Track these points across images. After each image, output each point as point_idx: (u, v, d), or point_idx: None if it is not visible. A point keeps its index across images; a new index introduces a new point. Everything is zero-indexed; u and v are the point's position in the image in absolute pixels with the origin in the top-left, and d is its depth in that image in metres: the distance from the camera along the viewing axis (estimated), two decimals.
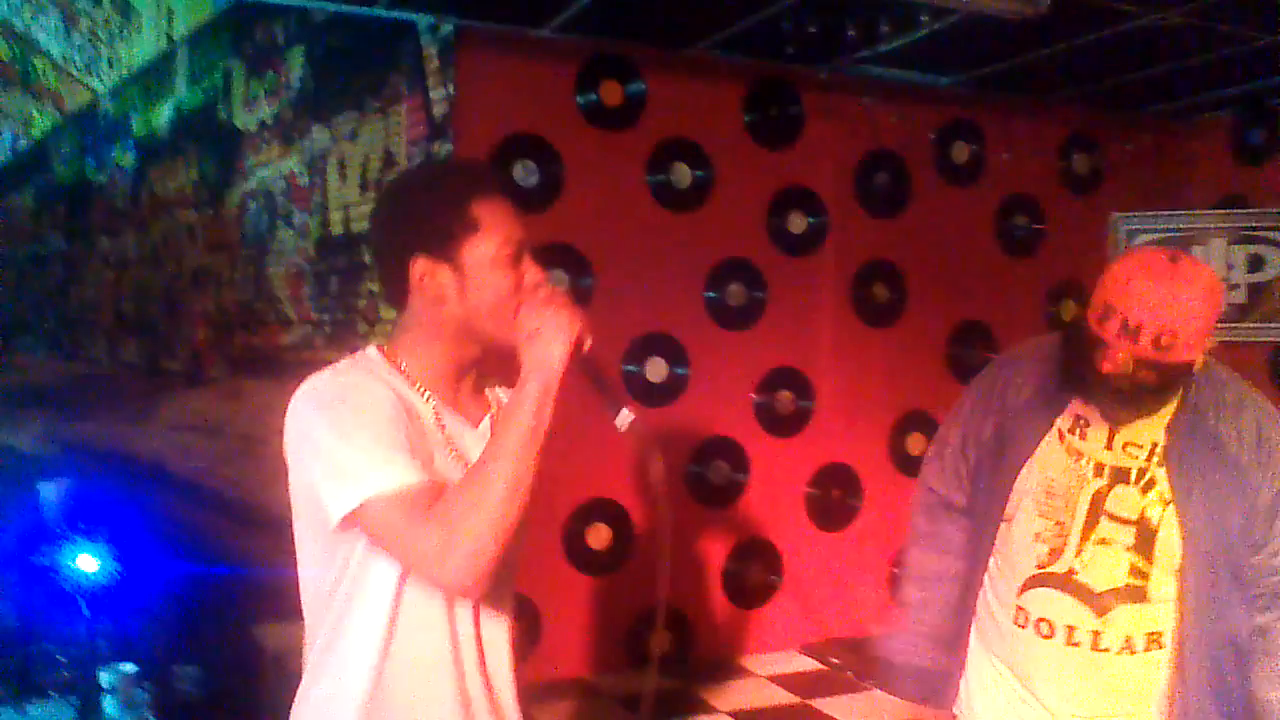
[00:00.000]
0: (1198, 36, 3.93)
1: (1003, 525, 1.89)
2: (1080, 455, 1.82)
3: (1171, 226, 4.98)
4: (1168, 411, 1.77)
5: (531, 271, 1.54)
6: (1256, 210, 4.93)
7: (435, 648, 1.54)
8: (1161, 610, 1.81)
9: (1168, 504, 1.78)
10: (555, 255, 3.95)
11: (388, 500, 1.43)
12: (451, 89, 3.95)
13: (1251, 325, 4.90)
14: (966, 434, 1.97)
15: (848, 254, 4.52)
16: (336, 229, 4.90)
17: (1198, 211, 5.06)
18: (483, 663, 1.58)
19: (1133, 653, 1.82)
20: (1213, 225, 4.94)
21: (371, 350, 1.60)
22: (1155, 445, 1.79)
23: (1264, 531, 1.78)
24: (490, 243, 1.51)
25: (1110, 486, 1.80)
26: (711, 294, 4.27)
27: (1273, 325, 4.85)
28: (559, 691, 3.84)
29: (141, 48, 7.88)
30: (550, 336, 1.50)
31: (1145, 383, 1.68)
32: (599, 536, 4.01)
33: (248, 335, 5.94)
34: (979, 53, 4.20)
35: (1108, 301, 1.66)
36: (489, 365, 1.63)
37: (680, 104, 4.20)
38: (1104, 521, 1.80)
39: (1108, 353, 1.66)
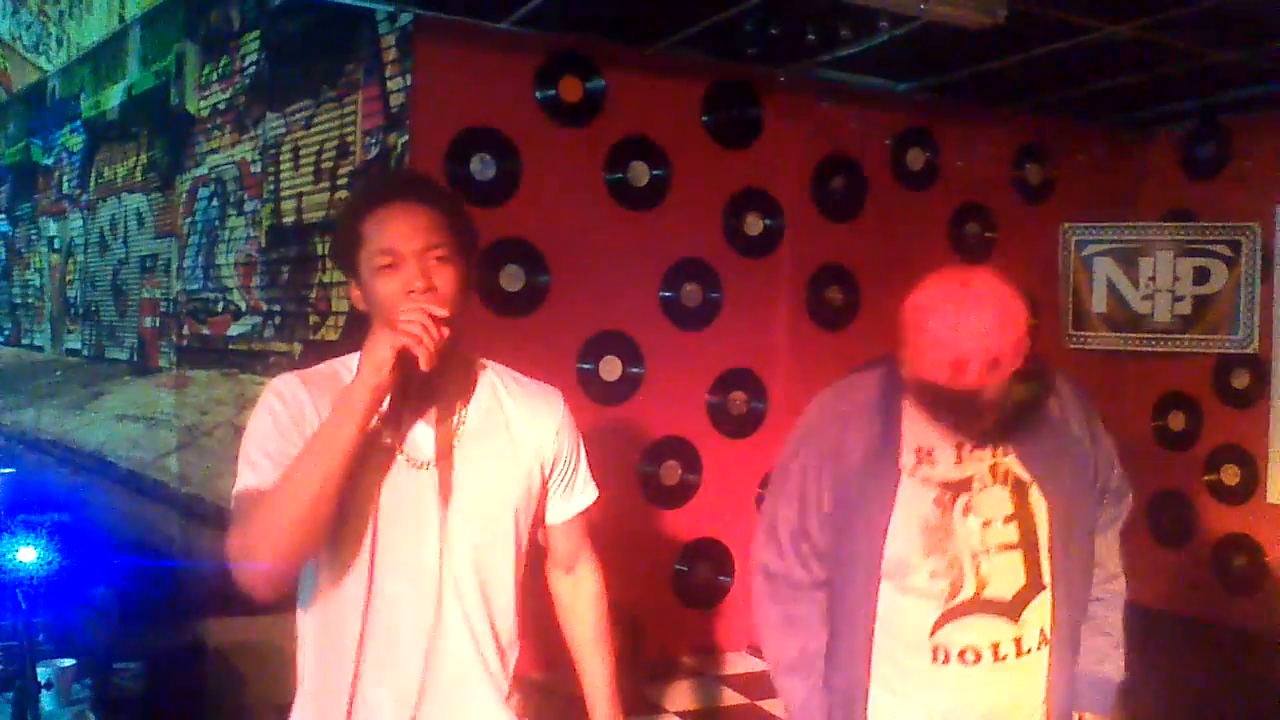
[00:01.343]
0: (1150, 51, 3.99)
1: (884, 582, 1.84)
2: (940, 484, 1.82)
3: (1120, 238, 5.07)
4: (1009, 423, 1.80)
5: (400, 282, 1.52)
6: (1204, 224, 5.03)
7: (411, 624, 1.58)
8: (1048, 587, 1.85)
9: (1028, 488, 1.82)
10: (510, 250, 3.93)
11: (234, 499, 1.52)
12: (409, 80, 3.92)
13: (1196, 336, 5.00)
14: (801, 510, 1.89)
15: (803, 256, 4.54)
16: (289, 218, 4.84)
17: (1146, 224, 5.15)
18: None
19: (1046, 644, 1.86)
20: (1160, 237, 5.03)
21: (356, 354, 1.59)
22: (994, 439, 1.81)
23: (1102, 481, 1.92)
24: (369, 253, 1.54)
25: (974, 496, 1.81)
26: (667, 293, 4.27)
27: (1217, 336, 4.96)
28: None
29: (92, 27, 7.73)
30: (367, 351, 1.48)
31: (1020, 399, 1.71)
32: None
33: (196, 324, 5.84)
34: (936, 60, 4.24)
35: (951, 359, 1.64)
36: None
37: (639, 102, 4.19)
38: (986, 532, 1.81)
39: (976, 397, 1.67)
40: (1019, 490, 1.83)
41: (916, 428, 1.84)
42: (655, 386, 4.22)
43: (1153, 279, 5.02)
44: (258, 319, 5.08)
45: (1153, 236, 5.05)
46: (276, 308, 4.88)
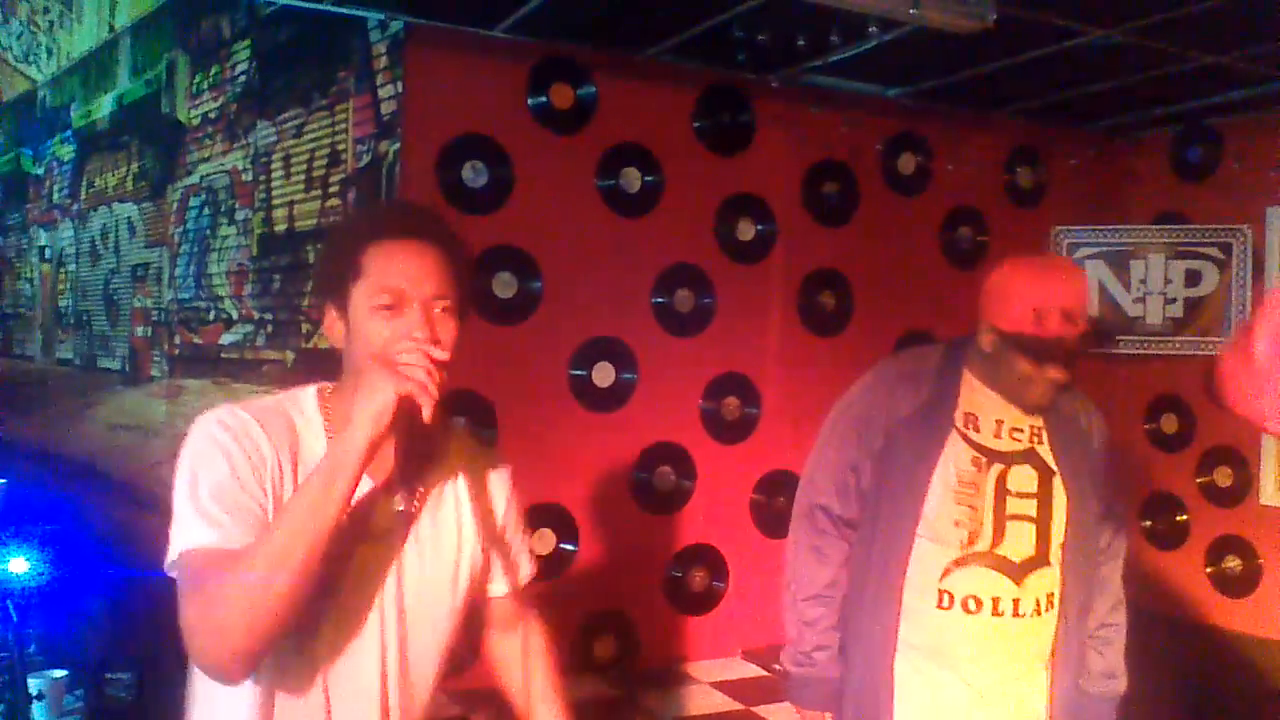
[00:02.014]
0: (1140, 55, 4.00)
1: (921, 521, 2.07)
2: (978, 446, 2.07)
3: (1111, 240, 5.08)
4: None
5: (399, 327, 1.40)
6: (1194, 226, 5.04)
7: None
8: (1056, 573, 2.11)
9: (1053, 476, 2.09)
10: (502, 258, 3.93)
11: (184, 557, 1.34)
12: (400, 87, 3.92)
13: (1187, 339, 5.01)
14: (854, 449, 2.15)
15: (796, 262, 4.54)
16: (280, 226, 4.83)
17: (1137, 226, 5.16)
18: None
19: (1039, 614, 2.09)
20: (1151, 240, 5.04)
21: (307, 391, 1.52)
22: (1034, 428, 2.10)
23: (1106, 492, 2.17)
24: (367, 290, 1.43)
25: (1008, 469, 2.07)
26: (660, 299, 4.27)
27: (1208, 339, 4.96)
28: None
29: (82, 37, 7.71)
30: (364, 398, 1.33)
31: (1076, 351, 2.03)
32: (541, 542, 3.99)
33: (188, 333, 5.83)
34: (927, 65, 4.25)
35: (1035, 307, 1.98)
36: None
37: (631, 108, 4.20)
38: (1010, 499, 2.06)
39: (1057, 344, 1.97)
40: (1045, 475, 2.09)
41: (970, 396, 2.11)
42: (648, 392, 4.21)
43: (1144, 281, 5.04)
44: (250, 328, 5.07)
45: (1144, 239, 5.06)
46: (269, 316, 4.87)
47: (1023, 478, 2.08)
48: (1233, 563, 5.01)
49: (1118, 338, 5.08)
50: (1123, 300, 5.08)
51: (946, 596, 2.07)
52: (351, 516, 1.37)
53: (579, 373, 4.10)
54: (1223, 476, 5.06)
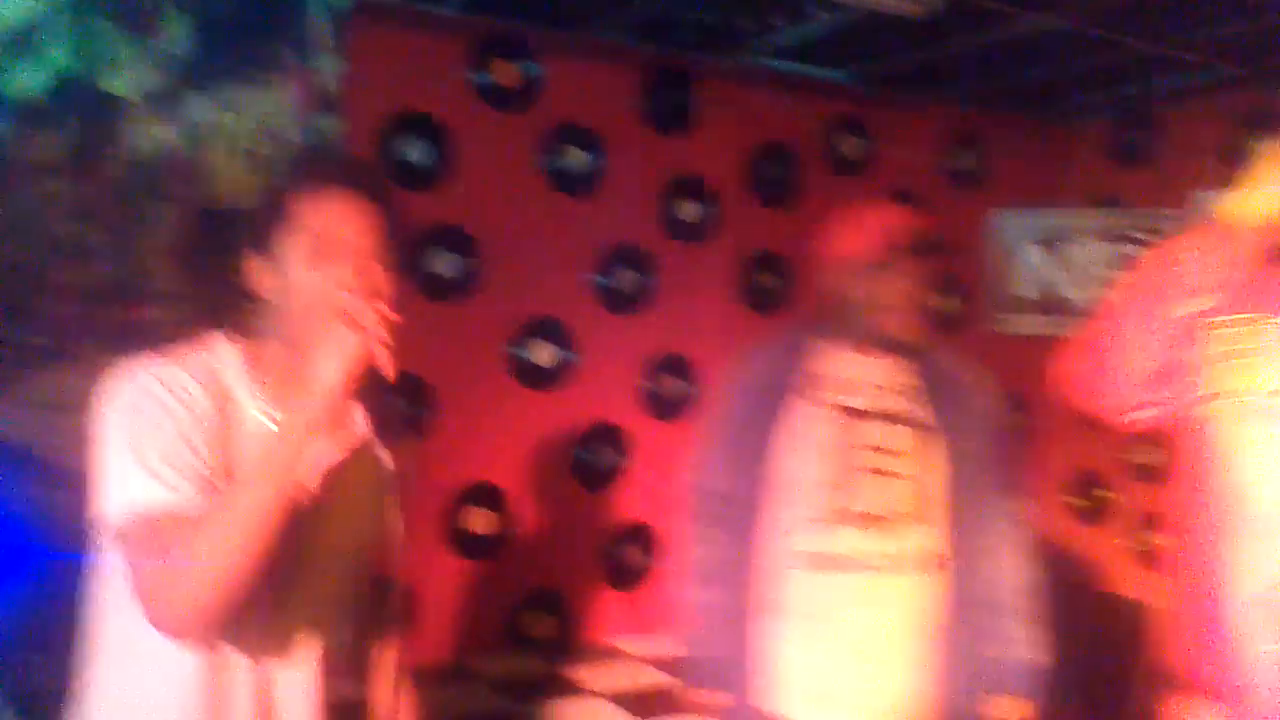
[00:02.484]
0: (1079, 42, 4.06)
1: (789, 488, 2.08)
2: (846, 409, 2.08)
3: (1048, 224, 5.15)
4: (907, 362, 2.12)
5: (335, 275, 1.36)
6: (1129, 211, 5.12)
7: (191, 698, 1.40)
8: (935, 530, 2.09)
9: (929, 432, 2.08)
10: (443, 236, 3.90)
11: (136, 518, 1.30)
12: (342, 63, 3.86)
13: None
14: (732, 425, 2.17)
15: (738, 242, 4.56)
16: (216, 203, 4.75)
17: (1074, 210, 5.24)
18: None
19: (917, 571, 2.08)
20: (1088, 224, 5.12)
21: (220, 342, 1.48)
22: (907, 386, 2.11)
23: (999, 465, 2.16)
24: (303, 235, 1.40)
25: (877, 427, 2.07)
26: (602, 279, 4.26)
27: None
28: (436, 676, 3.81)
29: (10, 6, 7.50)
30: (324, 359, 1.30)
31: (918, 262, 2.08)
32: (479, 520, 3.98)
33: (118, 310, 5.72)
34: (870, 49, 4.27)
35: (871, 229, 2.09)
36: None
37: (575, 88, 4.18)
38: (880, 457, 2.06)
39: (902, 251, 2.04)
40: (922, 432, 2.09)
41: (837, 363, 2.12)
42: (588, 372, 4.22)
43: (1078, 265, 5.12)
44: (183, 305, 4.98)
45: (1080, 223, 5.13)
46: (202, 293, 4.79)
47: (892, 435, 2.09)
48: (1159, 539, 5.11)
49: (1055, 319, 5.16)
50: (1059, 282, 5.15)
51: (819, 558, 2.07)
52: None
53: (519, 351, 4.09)
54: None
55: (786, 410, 2.09)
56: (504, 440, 4.04)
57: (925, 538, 2.10)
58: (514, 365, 4.08)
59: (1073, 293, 5.14)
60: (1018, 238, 5.17)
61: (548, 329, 4.15)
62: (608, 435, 4.30)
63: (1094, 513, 5.35)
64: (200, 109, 4.93)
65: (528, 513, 4.09)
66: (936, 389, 2.14)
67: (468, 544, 4.01)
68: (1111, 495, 5.30)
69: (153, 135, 5.45)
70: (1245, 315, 1.66)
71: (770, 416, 2.10)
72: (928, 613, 2.12)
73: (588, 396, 4.24)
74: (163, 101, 5.34)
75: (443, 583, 3.94)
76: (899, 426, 2.11)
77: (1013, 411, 5.56)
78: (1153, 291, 1.63)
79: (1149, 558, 5.15)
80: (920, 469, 2.10)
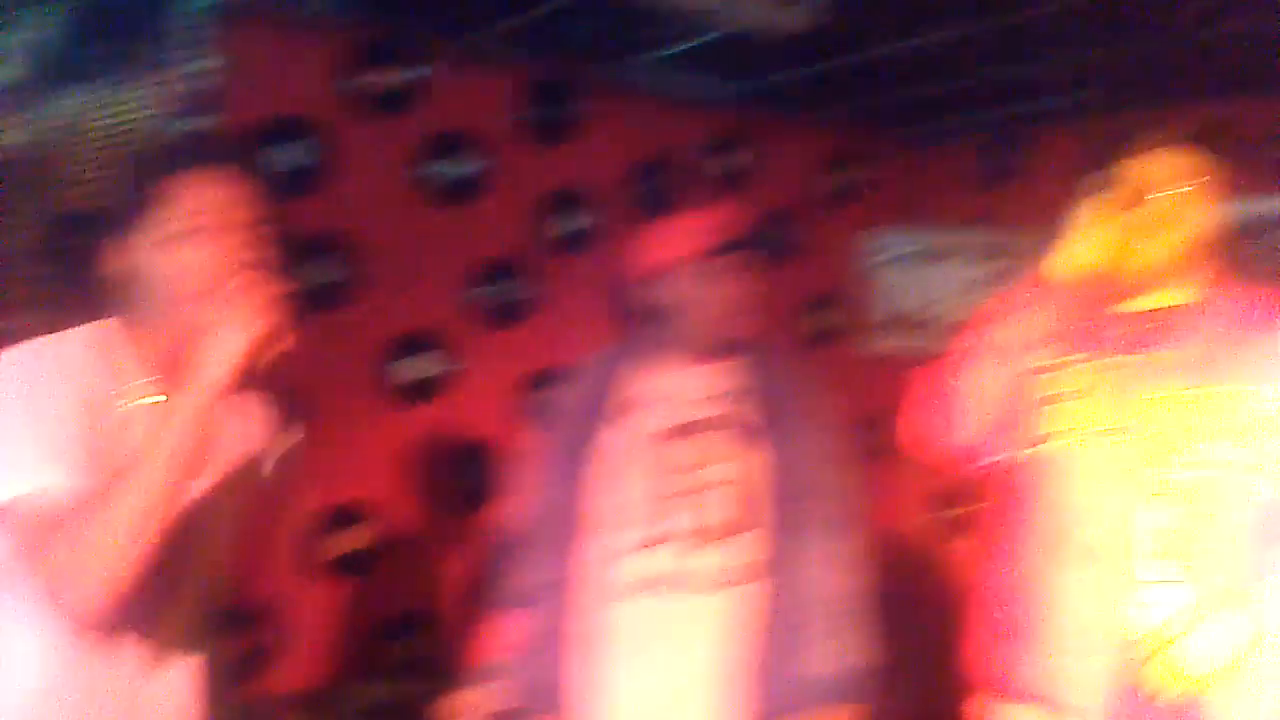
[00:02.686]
0: (951, 64, 4.17)
1: (610, 511, 2.06)
2: (661, 423, 2.06)
3: (919, 244, 5.30)
4: (733, 365, 2.11)
5: (215, 252, 1.36)
6: (995, 232, 5.29)
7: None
8: (758, 539, 2.06)
9: (752, 437, 2.06)
10: (316, 243, 3.80)
11: (27, 501, 1.28)
12: (213, 62, 3.72)
13: None
14: (555, 449, 2.14)
15: (621, 255, 4.54)
16: (77, 205, 4.54)
17: (942, 231, 5.39)
18: None
19: (737, 585, 2.04)
20: (955, 244, 5.28)
21: (97, 329, 1.47)
22: (729, 391, 2.09)
23: (825, 462, 2.16)
24: (175, 213, 1.41)
25: (699, 438, 2.06)
26: (481, 290, 4.21)
27: None
28: (304, 703, 3.69)
29: None
30: (220, 338, 1.32)
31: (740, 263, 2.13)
32: (350, 540, 3.88)
33: None
34: (751, 66, 4.32)
35: (684, 230, 2.11)
36: None
37: (456, 95, 4.12)
38: (703, 468, 2.04)
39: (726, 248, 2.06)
40: (739, 438, 2.06)
41: (655, 378, 2.10)
42: (466, 385, 4.15)
43: (946, 284, 5.27)
44: (40, 310, 4.75)
45: (947, 243, 5.29)
46: (61, 298, 4.57)
47: (714, 446, 2.06)
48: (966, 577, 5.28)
49: (926, 336, 5.30)
50: (927, 302, 5.30)
51: (643, 583, 2.04)
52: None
53: (394, 364, 4.00)
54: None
55: (608, 431, 2.05)
56: (377, 456, 3.94)
57: (749, 549, 2.05)
58: (389, 379, 3.99)
59: (942, 311, 5.29)
60: (889, 256, 5.30)
61: (425, 341, 4.07)
62: (488, 450, 4.24)
63: (952, 528, 5.49)
64: (65, 107, 4.71)
65: (401, 532, 4.00)
66: (765, 390, 2.11)
67: (337, 565, 3.89)
68: (967, 511, 5.46)
69: (13, 133, 5.19)
70: (1074, 358, 1.79)
71: (591, 438, 2.06)
72: (751, 626, 2.06)
73: (466, 411, 4.17)
74: (24, 97, 5.09)
75: (311, 605, 3.82)
76: (723, 435, 2.08)
77: (881, 427, 5.69)
78: (992, 347, 1.70)
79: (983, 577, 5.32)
80: (744, 476, 2.07)
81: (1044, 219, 5.27)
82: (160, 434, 1.28)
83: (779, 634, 2.07)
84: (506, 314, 4.27)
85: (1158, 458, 1.72)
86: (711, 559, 2.03)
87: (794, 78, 4.40)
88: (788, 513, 2.08)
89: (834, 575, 2.15)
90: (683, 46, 3.96)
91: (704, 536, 2.03)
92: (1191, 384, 1.74)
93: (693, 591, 2.02)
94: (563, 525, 2.07)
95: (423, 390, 4.07)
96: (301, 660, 3.78)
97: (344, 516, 3.89)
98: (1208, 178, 1.82)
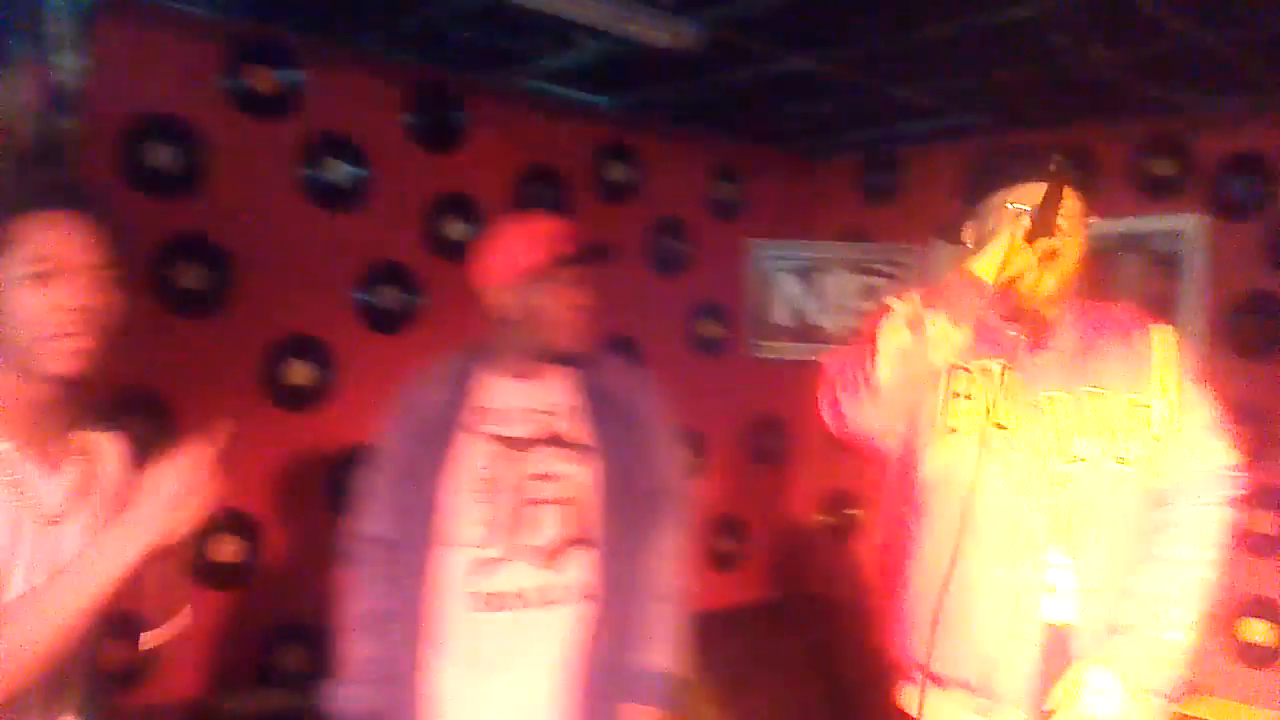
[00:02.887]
0: (832, 84, 4.28)
1: (452, 529, 2.06)
2: (499, 439, 2.07)
3: (801, 255, 5.42)
4: (568, 379, 2.13)
5: (53, 297, 1.38)
6: (874, 245, 5.45)
7: None
8: (595, 554, 2.11)
9: (585, 453, 2.10)
10: (190, 247, 3.70)
11: None
12: (83, 58, 3.60)
13: None
14: (391, 467, 2.13)
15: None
16: None
17: (824, 243, 5.53)
18: None
19: (579, 601, 2.09)
20: (836, 256, 5.42)
21: None
22: (562, 407, 2.12)
23: (662, 478, 2.20)
24: (16, 260, 1.40)
25: (533, 455, 2.08)
26: (363, 296, 4.15)
27: None
28: (181, 715, 3.59)
29: None
30: (177, 507, 1.42)
31: (588, 270, 2.15)
32: (228, 549, 3.79)
33: None
34: (637, 78, 4.36)
35: (528, 239, 2.11)
36: (78, 403, 1.50)
37: (338, 98, 4.06)
38: (537, 485, 2.07)
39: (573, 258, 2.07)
40: (574, 453, 2.09)
41: (488, 392, 2.11)
42: (349, 392, 4.09)
43: (828, 294, 5.41)
44: None
45: (829, 255, 5.43)
46: None
47: (548, 460, 2.07)
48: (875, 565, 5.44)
49: (808, 345, 5.42)
50: (809, 311, 5.42)
51: (480, 598, 2.04)
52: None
53: (273, 371, 3.92)
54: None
55: (447, 447, 2.04)
56: (255, 464, 3.86)
57: (588, 563, 2.09)
58: (268, 385, 3.91)
59: (824, 321, 5.42)
60: (774, 267, 5.41)
61: (305, 347, 4.00)
62: (369, 459, 4.18)
63: (843, 529, 5.63)
64: None
65: (281, 541, 3.92)
66: (598, 405, 2.14)
67: (215, 575, 3.80)
68: (860, 513, 5.60)
69: None
70: (977, 360, 1.89)
71: (430, 454, 2.04)
72: (590, 639, 2.10)
73: (348, 418, 4.11)
74: None
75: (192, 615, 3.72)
76: (556, 450, 2.10)
77: (768, 432, 5.80)
78: (904, 333, 1.76)
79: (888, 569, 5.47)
80: (581, 491, 2.09)
81: (918, 234, 5.47)
82: (98, 556, 1.35)
83: (610, 643, 2.10)
84: (390, 320, 4.22)
85: (1045, 452, 1.87)
86: (557, 574, 2.04)
87: (680, 91, 4.46)
88: (622, 526, 2.11)
89: (663, 586, 2.21)
90: (569, 57, 3.97)
91: (550, 552, 2.03)
92: (1067, 387, 1.90)
93: (539, 606, 2.03)
94: (409, 542, 2.03)
95: (304, 397, 4.00)
96: (183, 671, 3.68)
97: (222, 525, 3.80)
98: (1091, 210, 1.97)
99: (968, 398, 1.87)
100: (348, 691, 2.07)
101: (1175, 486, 1.95)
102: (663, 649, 2.19)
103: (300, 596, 4.01)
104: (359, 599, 2.10)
